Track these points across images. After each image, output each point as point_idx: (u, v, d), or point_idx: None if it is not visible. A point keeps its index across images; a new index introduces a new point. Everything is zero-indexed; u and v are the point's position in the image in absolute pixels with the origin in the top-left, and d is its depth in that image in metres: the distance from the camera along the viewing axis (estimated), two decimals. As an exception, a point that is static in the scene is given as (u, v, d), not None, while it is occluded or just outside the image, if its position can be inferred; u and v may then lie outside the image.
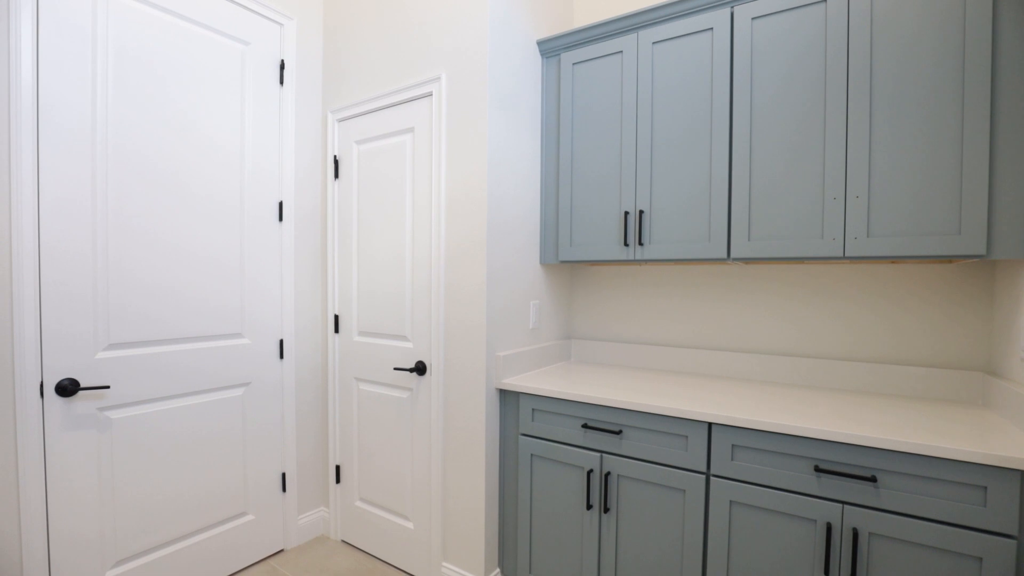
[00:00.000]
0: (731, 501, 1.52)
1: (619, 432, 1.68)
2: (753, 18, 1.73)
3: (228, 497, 2.11)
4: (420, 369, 2.07)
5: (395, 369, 2.10)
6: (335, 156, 2.38)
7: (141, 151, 1.82)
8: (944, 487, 1.25)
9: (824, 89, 1.62)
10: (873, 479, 1.30)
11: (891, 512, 1.31)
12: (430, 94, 2.04)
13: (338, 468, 2.41)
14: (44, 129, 1.60)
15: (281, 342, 2.29)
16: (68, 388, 1.64)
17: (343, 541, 2.41)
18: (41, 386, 1.61)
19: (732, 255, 1.77)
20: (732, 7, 1.77)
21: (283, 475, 2.32)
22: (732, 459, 1.52)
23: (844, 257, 1.60)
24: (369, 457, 2.29)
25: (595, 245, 2.05)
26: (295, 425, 2.35)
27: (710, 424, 1.56)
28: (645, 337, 2.31)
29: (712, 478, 1.55)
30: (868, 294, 1.86)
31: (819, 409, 1.57)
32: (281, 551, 2.32)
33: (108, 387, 1.69)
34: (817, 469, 1.37)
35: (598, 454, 1.74)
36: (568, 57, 2.12)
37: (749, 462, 1.49)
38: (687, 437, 1.59)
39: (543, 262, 2.22)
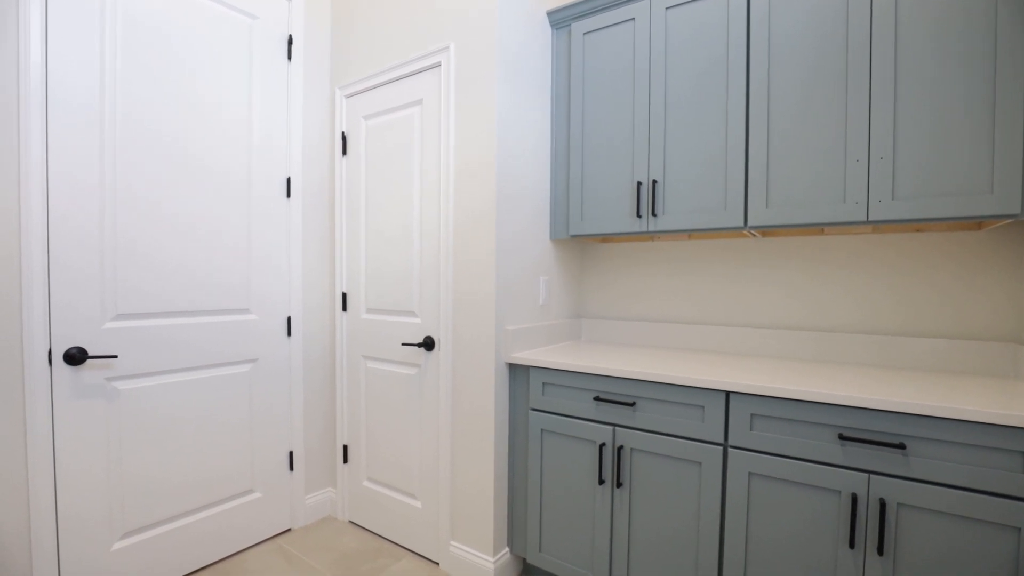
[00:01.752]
0: (750, 473, 1.46)
1: (632, 404, 1.63)
2: (771, -23, 1.67)
3: (235, 474, 2.09)
4: (428, 344, 2.03)
5: (403, 345, 2.06)
6: (343, 132, 2.36)
7: (148, 125, 1.81)
8: (979, 453, 1.18)
9: (846, 45, 1.55)
10: (902, 446, 1.24)
11: (921, 481, 1.24)
12: (438, 64, 2.01)
13: (345, 448, 2.39)
14: (53, 103, 1.59)
15: (289, 319, 2.27)
16: (76, 356, 1.63)
17: (351, 522, 2.38)
18: (49, 354, 1.60)
19: (749, 223, 1.71)
20: (749, -33, 1.71)
21: (290, 454, 2.29)
22: (751, 429, 1.46)
23: (868, 222, 1.53)
24: (377, 436, 2.26)
25: (607, 218, 2.00)
26: (302, 403, 2.33)
27: (728, 393, 1.50)
28: (658, 315, 2.25)
29: (730, 449, 1.49)
30: (889, 266, 1.78)
31: (842, 378, 1.50)
32: (288, 530, 2.29)
33: (116, 356, 1.68)
34: (841, 437, 1.31)
35: (611, 427, 1.69)
36: (579, 27, 2.07)
37: (769, 432, 1.43)
38: (703, 407, 1.53)
39: (553, 237, 2.18)
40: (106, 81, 1.71)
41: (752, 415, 1.46)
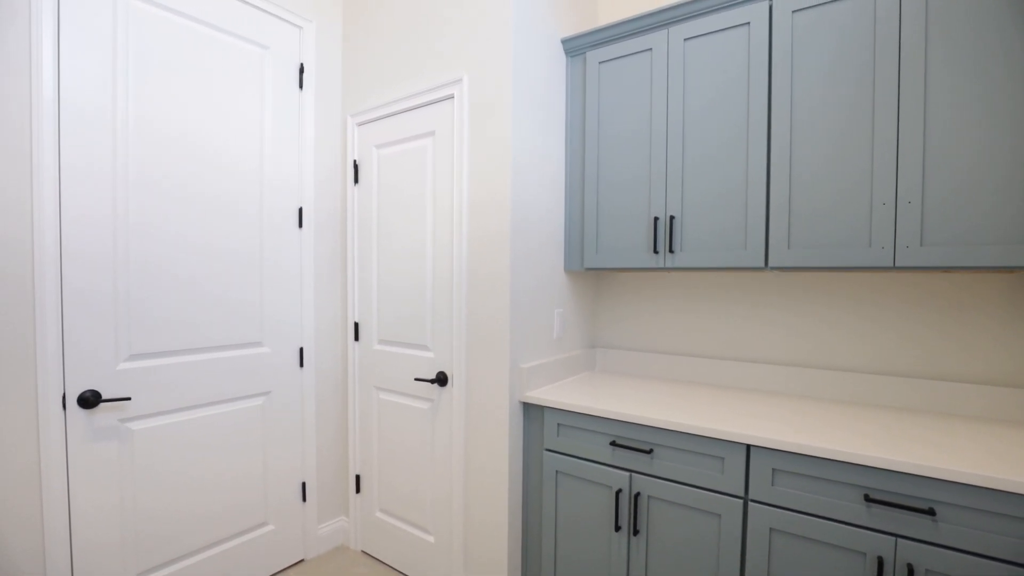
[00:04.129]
0: (771, 528, 1.42)
1: (650, 451, 1.60)
2: (793, 11, 1.62)
3: (248, 507, 2.09)
4: (441, 380, 2.01)
5: (416, 380, 2.04)
6: (355, 161, 2.34)
7: (161, 163, 1.80)
8: (1013, 523, 1.14)
9: (872, 86, 1.50)
10: (931, 512, 1.20)
11: (952, 548, 1.20)
12: (451, 96, 1.98)
13: (358, 478, 2.38)
14: (65, 140, 1.59)
15: (301, 350, 2.26)
16: (90, 400, 1.63)
17: (363, 552, 2.37)
18: (64, 398, 1.60)
19: (770, 264, 1.67)
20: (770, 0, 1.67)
21: (303, 484, 2.29)
22: (772, 484, 1.42)
23: (895, 267, 1.48)
24: (389, 468, 2.25)
25: (622, 252, 1.97)
26: (315, 434, 2.32)
27: (748, 446, 1.46)
28: (675, 347, 2.21)
29: (750, 503, 1.45)
30: (917, 304, 1.73)
31: (868, 430, 1.46)
32: (301, 561, 2.29)
33: (129, 399, 1.68)
34: (867, 499, 1.27)
35: (627, 473, 1.66)
36: (594, 56, 2.03)
37: (791, 488, 1.40)
38: (723, 459, 1.49)
39: (568, 269, 2.15)
40: (118, 116, 1.70)
41: (774, 470, 1.42)
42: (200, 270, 1.91)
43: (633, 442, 1.66)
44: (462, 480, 1.97)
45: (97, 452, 1.67)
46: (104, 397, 1.68)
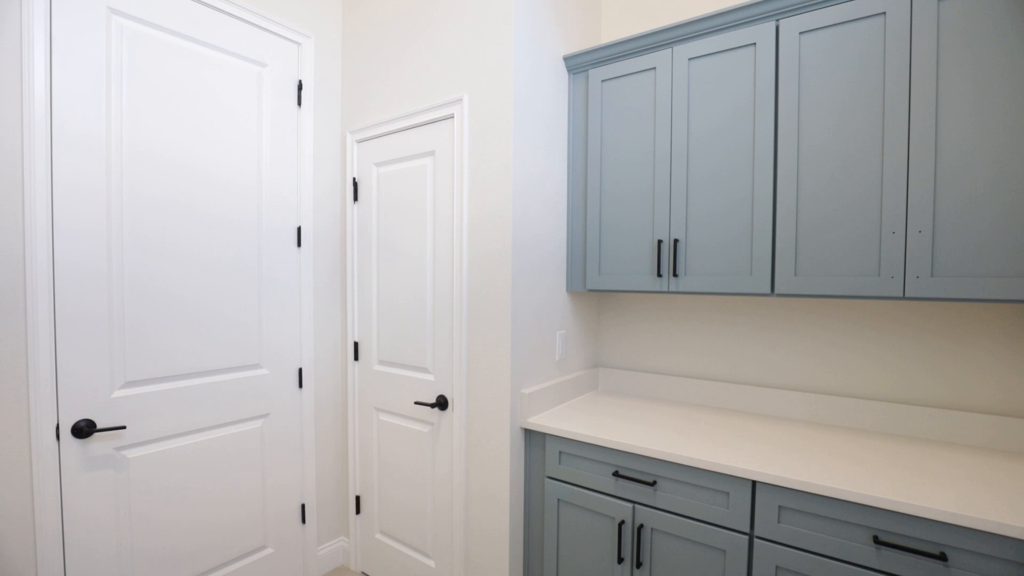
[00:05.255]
0: (777, 567, 1.39)
1: (653, 483, 1.57)
2: (801, 32, 1.59)
3: (247, 531, 2.06)
4: (442, 404, 1.98)
5: (416, 403, 2.02)
6: (354, 178, 2.31)
7: (156, 182, 1.77)
8: (1028, 572, 1.11)
9: (882, 111, 1.46)
10: (943, 556, 1.17)
11: (964, 595, 1.17)
12: (451, 116, 1.95)
13: (358, 498, 2.35)
14: (58, 162, 1.56)
15: (300, 371, 2.24)
16: (84, 430, 1.61)
17: (363, 573, 2.35)
18: (57, 428, 1.58)
19: (777, 291, 1.63)
20: (777, 21, 1.63)
21: (302, 506, 2.27)
22: (779, 521, 1.39)
23: (904, 297, 1.45)
24: (389, 490, 2.22)
25: (625, 274, 1.93)
26: (314, 454, 2.30)
27: (754, 482, 1.43)
28: (678, 368, 2.18)
29: (756, 540, 1.42)
30: (927, 331, 1.70)
31: (878, 464, 1.43)
32: (301, 583, 2.27)
33: (124, 427, 1.66)
34: (877, 540, 1.24)
35: (630, 504, 1.63)
36: (596, 74, 1.99)
37: (798, 526, 1.37)
38: (728, 494, 1.46)
39: (570, 290, 2.11)
40: (112, 137, 1.67)
41: (780, 507, 1.39)
42: (197, 292, 1.89)
43: (636, 473, 1.63)
44: (463, 505, 1.94)
45: (92, 482, 1.65)
46: (99, 427, 1.66)
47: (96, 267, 1.65)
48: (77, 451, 1.62)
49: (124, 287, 1.71)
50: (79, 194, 1.60)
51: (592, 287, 2.02)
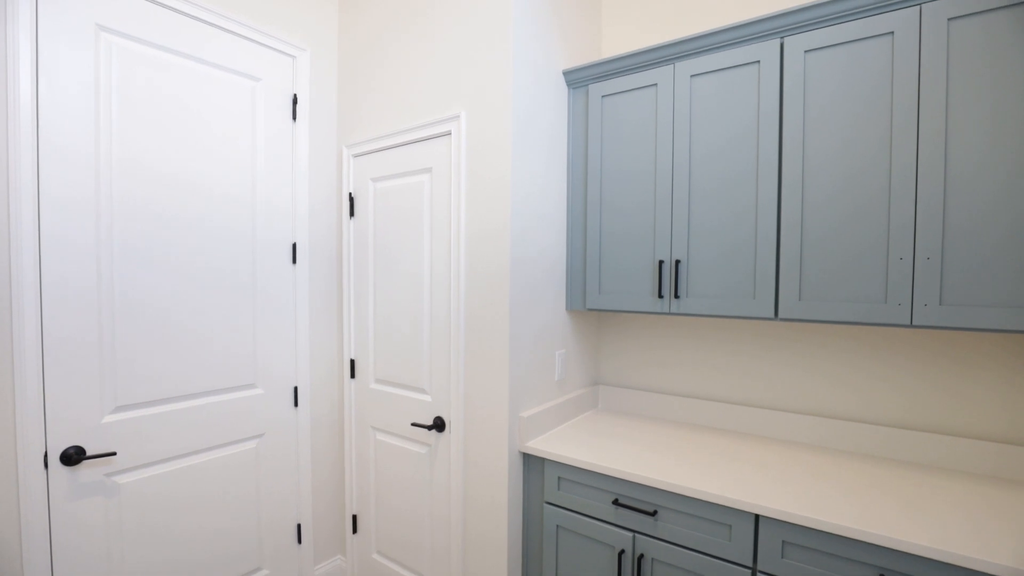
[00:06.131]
0: (781, 603, 1.36)
1: (654, 513, 1.54)
2: (806, 51, 1.55)
3: (242, 553, 2.03)
4: (439, 426, 1.95)
5: (413, 425, 1.98)
6: (350, 193, 2.27)
7: (147, 200, 1.74)
8: (1041, 619, 1.08)
9: (890, 133, 1.42)
10: (952, 599, 1.13)
11: (974, 639, 1.14)
12: (449, 133, 1.91)
13: (355, 517, 2.32)
14: (45, 183, 1.52)
15: (296, 389, 2.20)
16: (73, 457, 1.57)
17: (360, 593, 2.32)
18: (45, 456, 1.54)
19: (781, 315, 1.60)
20: (782, 38, 1.59)
21: (298, 526, 2.23)
22: (782, 556, 1.36)
23: (911, 325, 1.41)
24: (386, 510, 2.19)
25: (626, 294, 1.90)
26: (310, 474, 2.27)
27: (757, 516, 1.40)
28: (680, 387, 2.15)
29: (759, 574, 1.39)
30: (934, 355, 1.66)
31: (884, 497, 1.39)
32: (297, 604, 2.24)
33: (115, 454, 1.62)
34: (884, 581, 1.21)
35: (631, 534, 1.59)
36: (597, 89, 1.95)
37: (803, 562, 1.33)
38: (731, 526, 1.43)
39: (570, 309, 2.08)
40: (101, 154, 1.63)
41: (784, 542, 1.36)
42: (190, 311, 1.85)
43: (637, 502, 1.60)
44: (460, 528, 1.91)
45: (82, 510, 1.62)
46: (89, 453, 1.62)
47: (86, 286, 1.61)
48: (66, 479, 1.59)
49: (115, 307, 1.68)
50: (67, 211, 1.57)
51: (592, 306, 1.99)
